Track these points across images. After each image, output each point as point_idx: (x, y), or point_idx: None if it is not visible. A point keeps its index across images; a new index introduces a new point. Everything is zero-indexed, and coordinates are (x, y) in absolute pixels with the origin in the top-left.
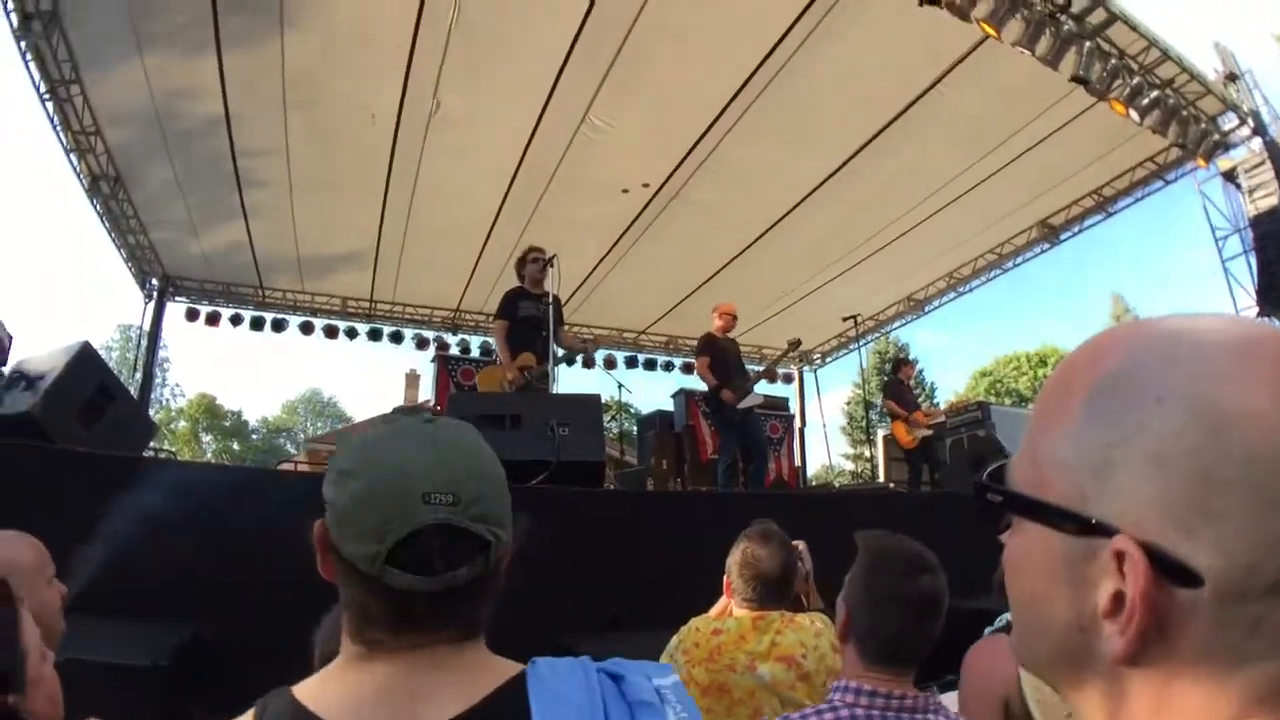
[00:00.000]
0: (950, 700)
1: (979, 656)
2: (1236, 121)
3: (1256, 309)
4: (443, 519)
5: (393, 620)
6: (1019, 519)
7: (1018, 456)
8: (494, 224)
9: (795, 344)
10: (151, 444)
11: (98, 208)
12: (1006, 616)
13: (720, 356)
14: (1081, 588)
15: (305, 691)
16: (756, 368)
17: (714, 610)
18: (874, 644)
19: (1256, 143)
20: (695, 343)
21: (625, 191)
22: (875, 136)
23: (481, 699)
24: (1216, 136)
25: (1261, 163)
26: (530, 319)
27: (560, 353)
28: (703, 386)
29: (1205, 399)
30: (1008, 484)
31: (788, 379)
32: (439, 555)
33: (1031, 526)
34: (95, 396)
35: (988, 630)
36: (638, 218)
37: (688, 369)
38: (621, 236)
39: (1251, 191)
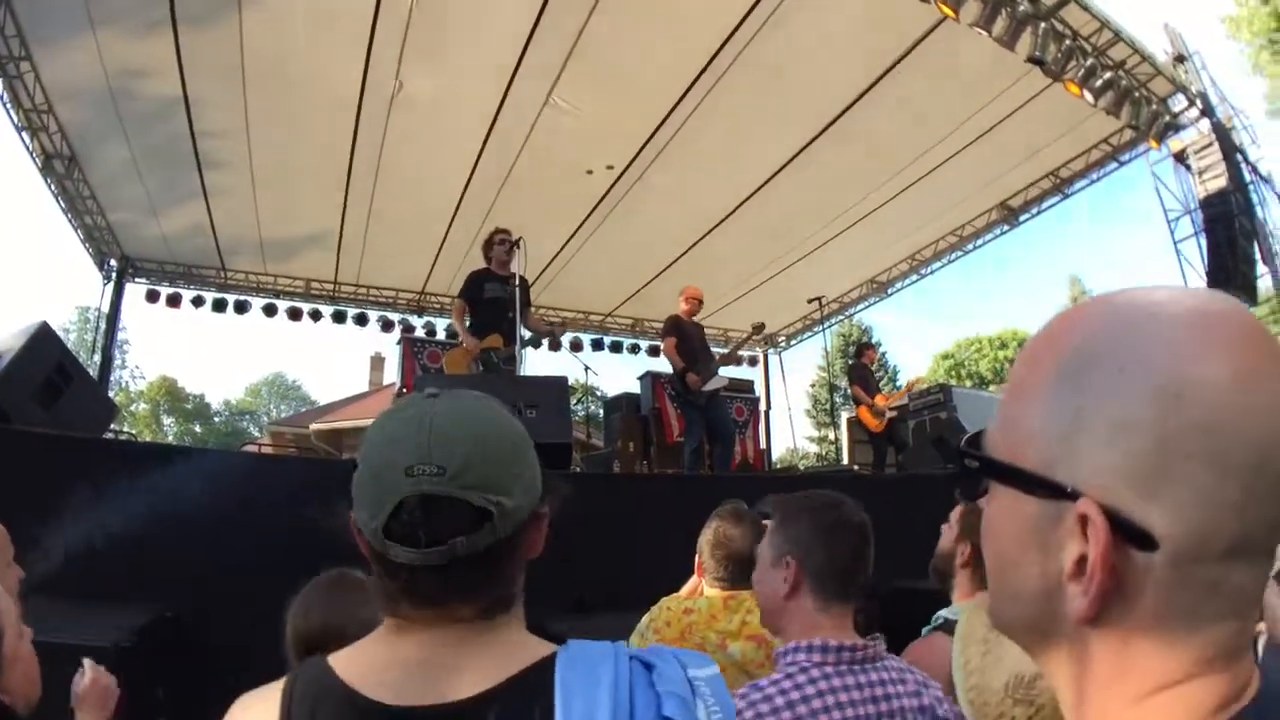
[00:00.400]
0: None
1: (917, 656)
2: (1186, 103)
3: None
4: (425, 490)
5: (407, 595)
6: (994, 486)
7: (993, 425)
8: (459, 205)
9: (759, 328)
10: (112, 426)
11: (52, 187)
12: (944, 614)
13: (686, 339)
14: (1049, 551)
15: (339, 661)
16: (721, 350)
17: (685, 589)
18: (832, 577)
19: (1205, 124)
20: (661, 325)
21: (590, 173)
22: (836, 119)
23: (508, 678)
24: (1167, 118)
25: (1210, 144)
26: (496, 300)
27: (527, 335)
28: (669, 369)
29: (1165, 368)
30: (984, 451)
31: (753, 362)
32: (421, 526)
33: (1005, 492)
34: (53, 377)
35: (925, 630)
36: (602, 200)
37: (654, 351)
38: (587, 218)
39: (1201, 173)
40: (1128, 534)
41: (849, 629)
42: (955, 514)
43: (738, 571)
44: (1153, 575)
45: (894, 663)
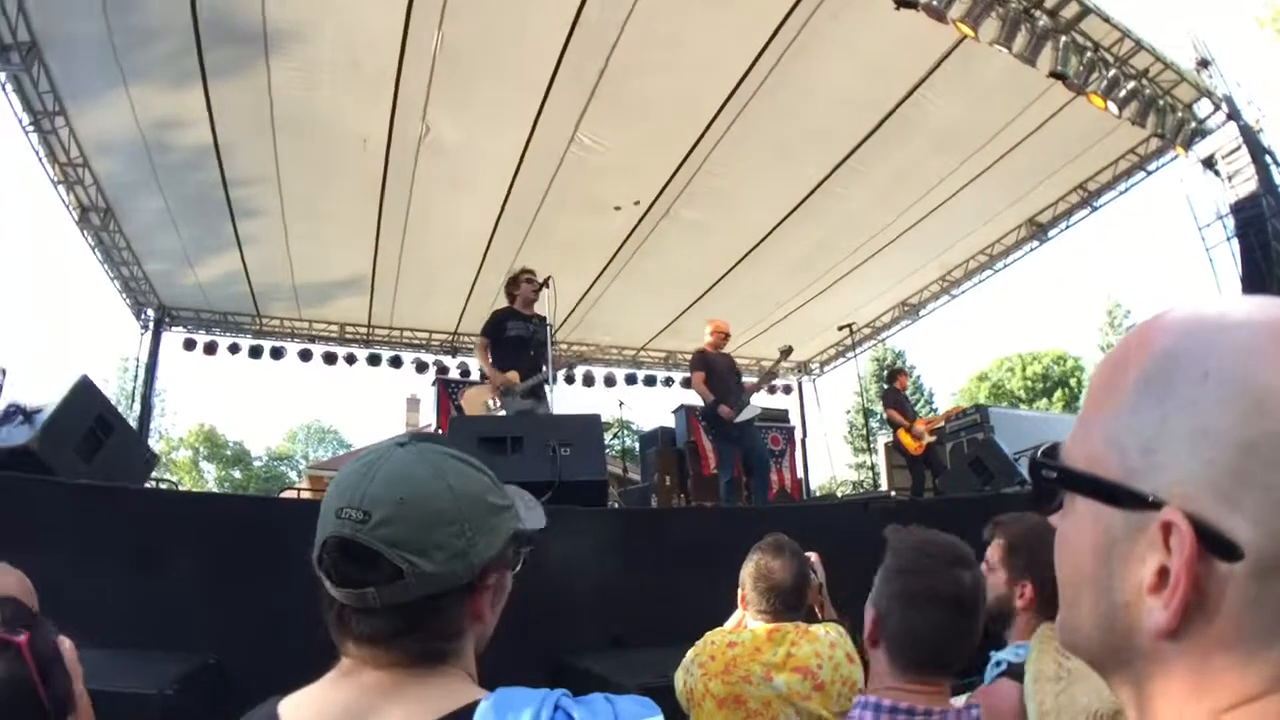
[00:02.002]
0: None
1: (985, 706)
2: (1212, 108)
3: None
4: (345, 534)
5: (341, 631)
6: (1070, 499)
7: (1071, 436)
8: (489, 245)
9: (787, 351)
10: (153, 475)
11: (89, 240)
12: (1004, 657)
13: (715, 372)
14: (1128, 563)
15: (287, 704)
16: (752, 379)
17: (729, 623)
18: (910, 648)
19: (1232, 127)
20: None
21: (617, 209)
22: (860, 144)
23: None
24: (1193, 124)
25: (1238, 148)
26: (518, 339)
27: (544, 373)
28: (701, 402)
29: (1250, 376)
30: (1061, 462)
31: (787, 390)
32: (334, 566)
33: (1082, 504)
34: (94, 428)
35: (993, 672)
36: (631, 235)
37: (688, 384)
38: (616, 254)
39: (1230, 178)
40: (1211, 544)
41: (929, 693)
42: (996, 556)
43: (780, 604)
44: (1235, 587)
45: None
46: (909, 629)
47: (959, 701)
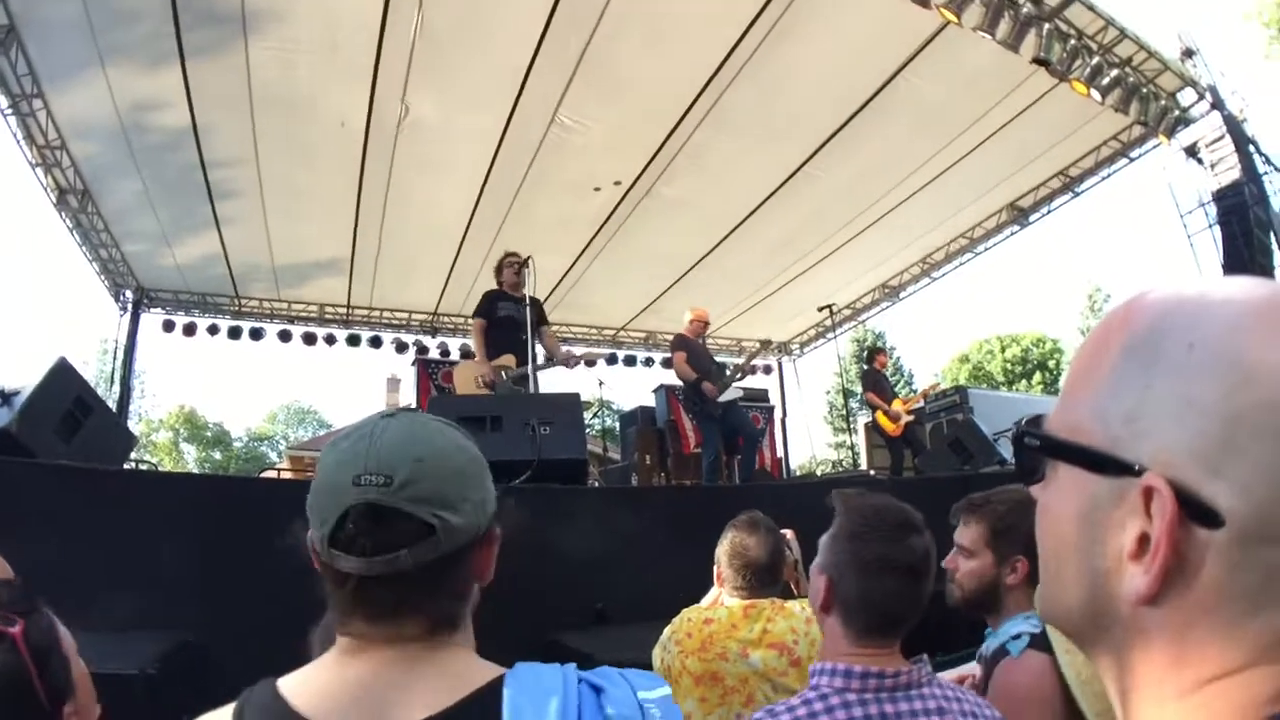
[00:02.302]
0: None
1: (1016, 681)
2: (1195, 97)
3: None
4: (370, 499)
5: (355, 608)
6: (1052, 469)
7: (1055, 409)
8: (468, 226)
9: (765, 344)
10: (132, 455)
11: (67, 222)
12: (1023, 630)
13: (695, 354)
14: (1109, 530)
15: (289, 683)
16: (736, 360)
17: (706, 600)
18: (866, 615)
19: (1215, 117)
20: (673, 337)
21: (597, 190)
22: (843, 127)
23: (456, 701)
24: (1177, 113)
25: (1221, 137)
26: (509, 319)
27: (542, 359)
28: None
29: (1235, 348)
30: (1045, 431)
31: (767, 370)
32: (364, 535)
33: (1064, 473)
34: (73, 410)
35: (1015, 646)
36: (611, 215)
37: (668, 364)
38: (596, 234)
39: (1213, 166)
40: (1192, 510)
41: (886, 655)
42: (974, 539)
43: (756, 580)
44: (1216, 554)
45: (937, 690)
46: (864, 595)
47: (952, 674)
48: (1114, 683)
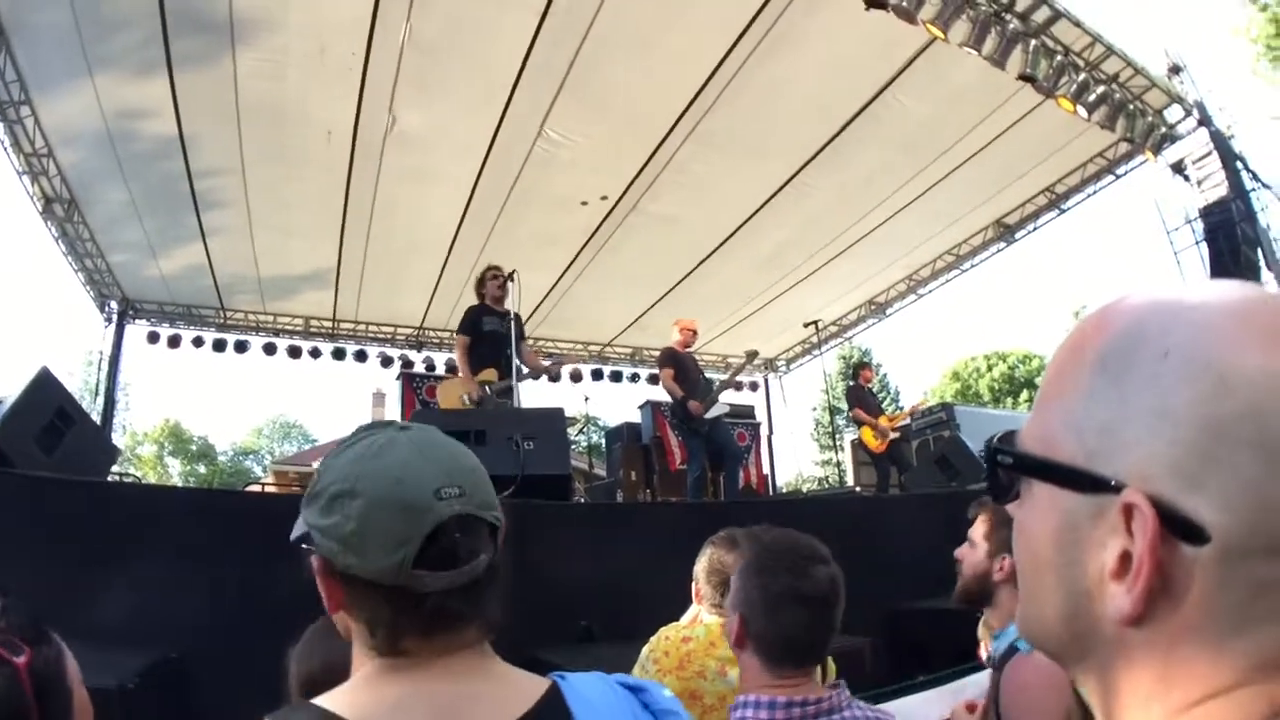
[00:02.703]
0: (923, 700)
1: (1029, 679)
2: (1182, 114)
3: None
4: (458, 510)
5: (425, 625)
6: (1028, 486)
7: (1028, 423)
8: (454, 240)
9: (752, 355)
10: (116, 468)
11: (53, 231)
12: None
13: (683, 369)
14: (1089, 549)
15: (334, 702)
16: (721, 377)
17: (685, 618)
18: (778, 647)
19: (1203, 134)
20: (660, 352)
21: (584, 204)
22: (829, 143)
23: (526, 711)
24: (1163, 129)
25: (1208, 154)
26: (493, 334)
27: (525, 371)
28: (668, 397)
29: (1212, 354)
30: (1018, 448)
31: (754, 387)
32: (462, 546)
33: (1040, 491)
34: (55, 421)
35: (1025, 644)
36: (597, 230)
37: (654, 380)
38: (582, 249)
39: (1200, 182)
40: (1174, 526)
41: (803, 684)
42: (979, 532)
43: None
44: (1201, 571)
45: (858, 713)
46: (773, 629)
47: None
48: (1099, 703)
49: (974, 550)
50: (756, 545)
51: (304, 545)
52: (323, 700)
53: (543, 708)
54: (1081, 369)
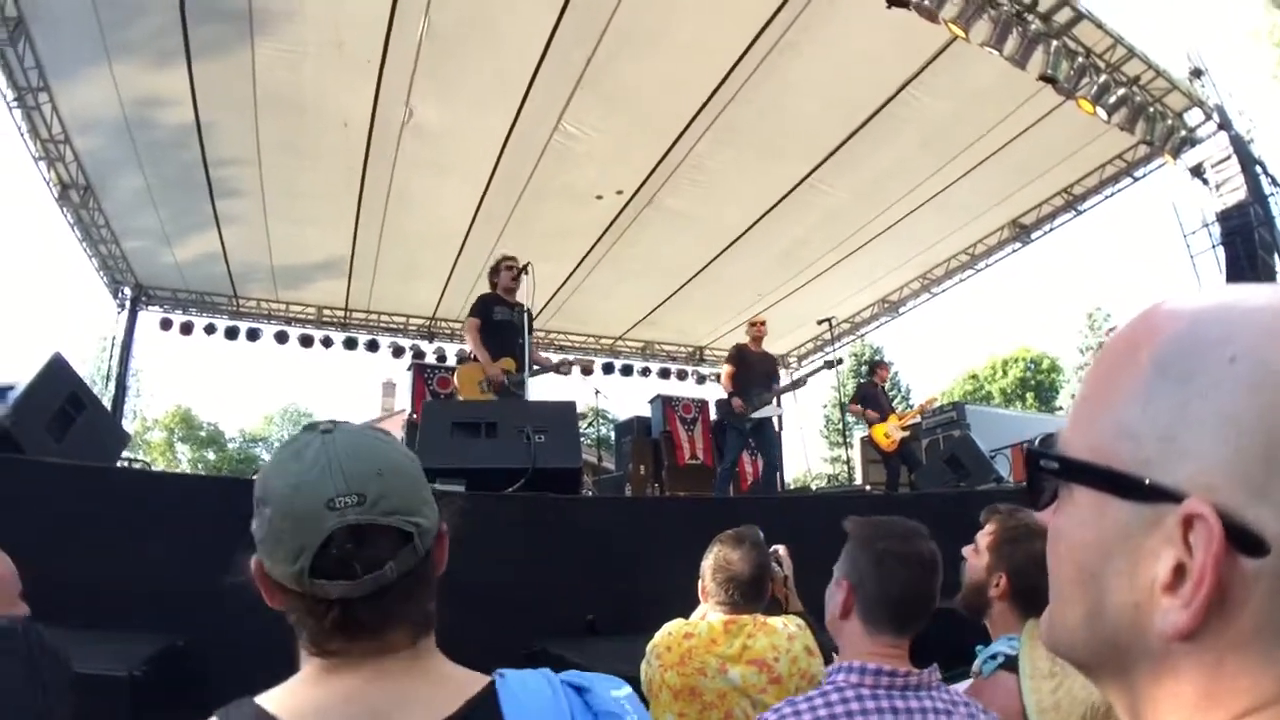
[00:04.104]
0: None
1: (987, 698)
2: (1202, 117)
3: None
4: (351, 520)
5: (341, 630)
6: (1068, 492)
7: (1071, 427)
8: (469, 231)
9: (833, 363)
10: (125, 454)
11: (68, 217)
12: (1001, 650)
13: (746, 368)
14: (1140, 560)
15: (272, 701)
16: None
17: (695, 615)
18: (882, 607)
19: (1222, 137)
20: (671, 347)
21: (599, 198)
22: (847, 140)
23: (455, 711)
24: (1183, 132)
25: (1228, 157)
26: (507, 324)
27: (534, 367)
28: (679, 392)
29: (1277, 359)
30: (1062, 452)
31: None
32: (355, 557)
33: (1085, 498)
34: (66, 407)
35: (990, 665)
36: (612, 224)
37: (664, 374)
38: (596, 243)
39: (1218, 186)
40: (1236, 538)
41: (899, 656)
42: (984, 541)
43: (740, 595)
44: (1256, 585)
45: (944, 694)
46: (883, 588)
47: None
48: (1131, 715)
49: (976, 557)
50: (863, 523)
51: None
52: (261, 698)
53: (472, 709)
54: (1136, 373)
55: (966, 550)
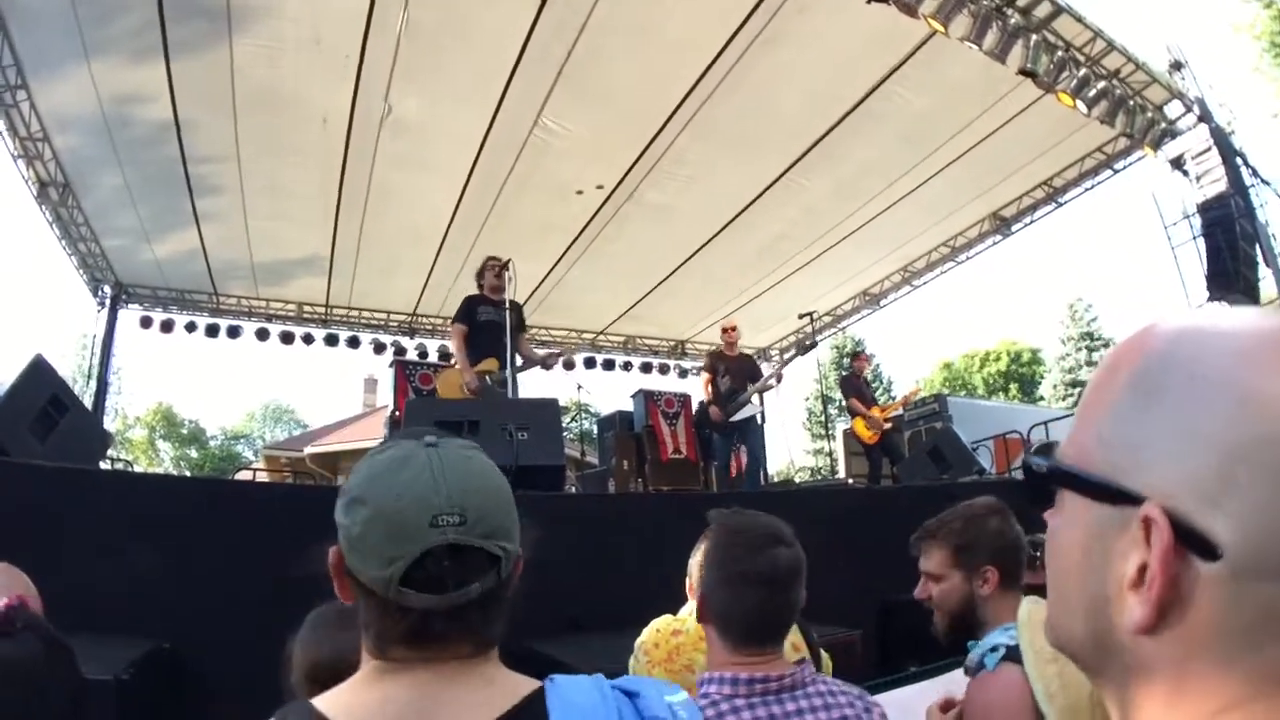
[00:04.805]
0: (917, 692)
1: (993, 696)
2: (1183, 109)
3: (1207, 295)
4: (450, 539)
5: (410, 637)
6: (1061, 495)
7: (1068, 435)
8: (449, 227)
9: (778, 376)
10: (108, 453)
11: (47, 215)
12: (1001, 641)
13: (724, 372)
14: (1112, 560)
15: (326, 704)
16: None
17: (683, 611)
18: (734, 625)
19: (1203, 130)
20: (653, 342)
21: (580, 193)
22: (827, 133)
23: (501, 715)
24: (1163, 125)
25: (1208, 149)
26: (491, 324)
27: (520, 362)
28: (661, 387)
29: (1238, 379)
30: (1054, 460)
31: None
32: (449, 575)
33: (1071, 501)
34: (48, 409)
35: (993, 658)
36: (592, 219)
37: (646, 369)
38: (577, 238)
39: (1199, 178)
40: (1190, 541)
41: (767, 660)
42: (940, 565)
43: None
44: (1213, 587)
45: (821, 687)
46: (728, 609)
47: (936, 684)
48: (1117, 713)
49: (944, 581)
50: (718, 528)
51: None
52: (318, 700)
53: (519, 712)
54: (1116, 388)
55: (921, 591)
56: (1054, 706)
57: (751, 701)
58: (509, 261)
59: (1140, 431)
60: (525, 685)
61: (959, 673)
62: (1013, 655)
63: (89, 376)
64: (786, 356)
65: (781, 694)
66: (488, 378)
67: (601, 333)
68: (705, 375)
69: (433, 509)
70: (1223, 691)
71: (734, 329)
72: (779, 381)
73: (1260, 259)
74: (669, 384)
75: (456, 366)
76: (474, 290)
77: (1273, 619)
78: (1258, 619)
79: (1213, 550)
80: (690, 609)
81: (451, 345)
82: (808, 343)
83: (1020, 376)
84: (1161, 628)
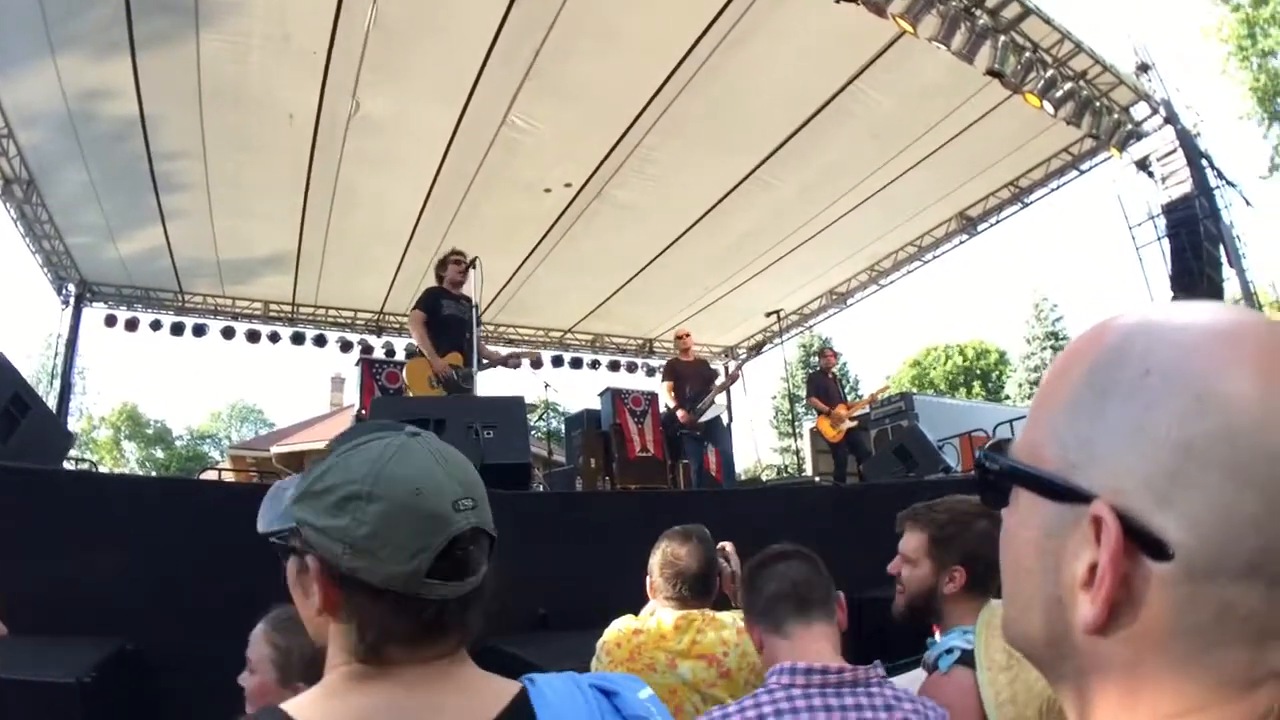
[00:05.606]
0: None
1: (946, 697)
2: (1149, 111)
3: (1171, 295)
4: (474, 523)
5: (421, 633)
6: (1015, 493)
7: (1022, 432)
8: (416, 225)
9: (733, 378)
10: (72, 454)
11: (11, 211)
12: (956, 644)
13: (680, 380)
14: (1064, 559)
15: (301, 711)
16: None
17: (644, 611)
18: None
19: (1169, 131)
20: (620, 340)
21: (548, 191)
22: (795, 133)
23: (492, 718)
24: (1129, 126)
25: (1173, 151)
26: (454, 319)
27: (484, 361)
28: (629, 385)
29: (1191, 375)
30: (1008, 457)
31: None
32: (471, 559)
33: (1024, 499)
34: (9, 408)
35: (947, 660)
36: (560, 217)
37: (614, 367)
38: (545, 236)
39: (1164, 179)
40: (1141, 541)
41: (823, 650)
42: (914, 547)
43: (688, 590)
44: (1165, 588)
45: (887, 690)
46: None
47: (901, 681)
48: (1074, 715)
49: (915, 566)
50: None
51: (275, 540)
52: (289, 706)
53: (507, 716)
54: (1069, 383)
55: (894, 567)
56: (1001, 716)
57: (809, 691)
58: (475, 259)
59: (1092, 428)
60: (506, 688)
61: (922, 670)
62: (967, 659)
63: (53, 376)
64: (742, 357)
65: (841, 688)
66: (455, 372)
67: (569, 331)
68: (666, 383)
69: (451, 495)
70: (1177, 695)
71: (688, 335)
72: (734, 381)
73: (1224, 260)
74: (637, 382)
75: (424, 358)
76: (434, 282)
77: (1226, 621)
78: (1210, 620)
79: (1163, 550)
80: (650, 608)
81: (413, 334)
82: (734, 373)
83: (986, 372)
84: (1113, 628)
